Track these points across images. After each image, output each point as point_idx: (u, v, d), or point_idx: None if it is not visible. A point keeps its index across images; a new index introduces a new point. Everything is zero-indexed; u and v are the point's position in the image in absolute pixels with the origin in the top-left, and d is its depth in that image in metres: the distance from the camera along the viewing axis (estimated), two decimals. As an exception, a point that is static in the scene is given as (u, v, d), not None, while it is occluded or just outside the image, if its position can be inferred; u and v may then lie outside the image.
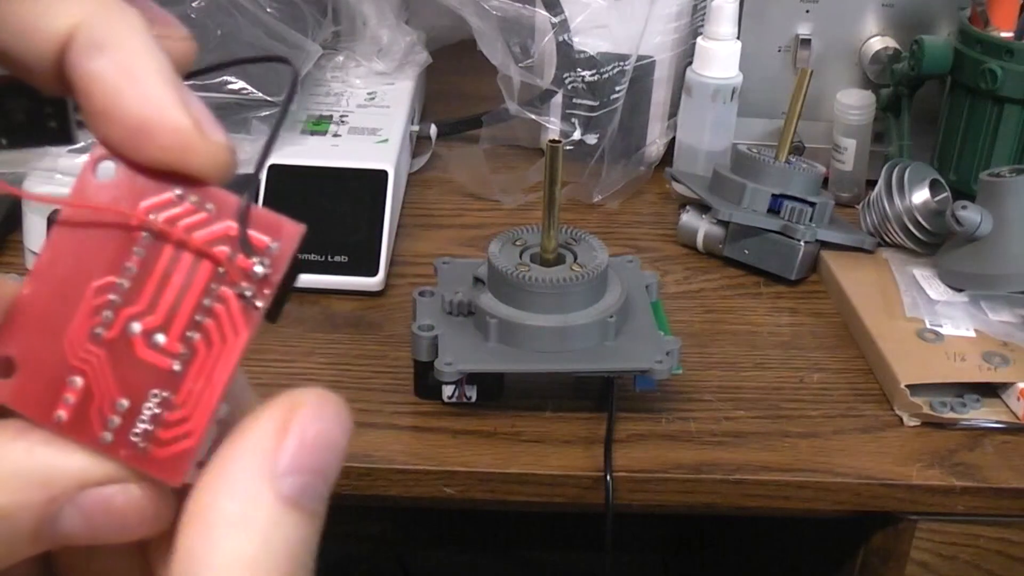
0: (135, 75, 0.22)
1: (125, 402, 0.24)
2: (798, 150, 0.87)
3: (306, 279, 0.72)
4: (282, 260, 0.24)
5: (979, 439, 0.62)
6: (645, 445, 0.61)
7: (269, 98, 0.74)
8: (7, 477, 0.22)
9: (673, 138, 0.89)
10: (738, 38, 0.84)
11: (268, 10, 0.81)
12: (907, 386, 0.62)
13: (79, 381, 0.24)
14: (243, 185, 0.25)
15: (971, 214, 0.69)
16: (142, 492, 0.23)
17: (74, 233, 0.24)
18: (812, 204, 0.77)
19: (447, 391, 0.61)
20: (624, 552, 1.29)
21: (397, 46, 0.90)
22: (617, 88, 0.85)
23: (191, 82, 0.24)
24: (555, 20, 0.84)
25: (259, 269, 0.24)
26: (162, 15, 0.24)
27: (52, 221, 0.25)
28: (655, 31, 0.85)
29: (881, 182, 0.77)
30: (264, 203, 0.82)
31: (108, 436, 0.24)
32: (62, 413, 0.24)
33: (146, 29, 0.22)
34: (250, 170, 0.27)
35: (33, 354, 0.24)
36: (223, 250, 0.24)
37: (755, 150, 0.79)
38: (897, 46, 0.85)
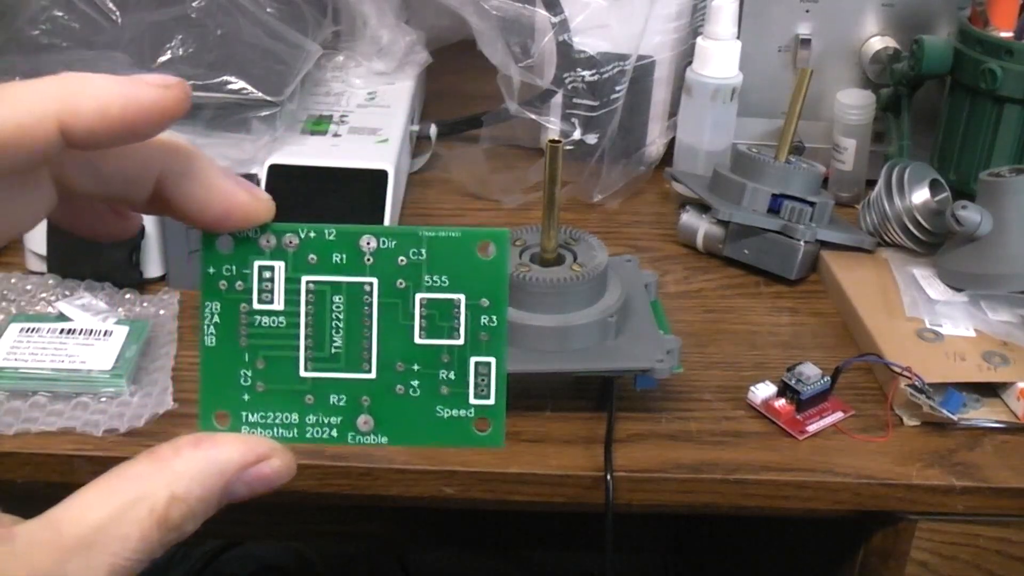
0: (212, 184, 0.33)
1: None
2: (798, 150, 0.87)
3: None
4: None
5: (979, 439, 0.62)
6: (645, 445, 0.61)
7: (269, 98, 0.74)
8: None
9: (673, 138, 0.89)
10: (738, 38, 0.84)
11: (268, 10, 0.81)
12: (907, 386, 0.62)
13: None
14: None
15: (971, 214, 0.69)
16: None
17: None
18: (812, 204, 0.77)
19: (447, 391, 0.61)
20: (624, 552, 1.29)
21: (397, 46, 0.90)
22: (617, 88, 0.85)
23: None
24: (555, 20, 0.84)
25: None
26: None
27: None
28: (655, 31, 0.85)
29: (881, 182, 0.77)
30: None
31: None
32: None
33: (202, 153, 0.33)
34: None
35: None
36: None
37: (755, 150, 0.79)
38: (897, 46, 0.85)
